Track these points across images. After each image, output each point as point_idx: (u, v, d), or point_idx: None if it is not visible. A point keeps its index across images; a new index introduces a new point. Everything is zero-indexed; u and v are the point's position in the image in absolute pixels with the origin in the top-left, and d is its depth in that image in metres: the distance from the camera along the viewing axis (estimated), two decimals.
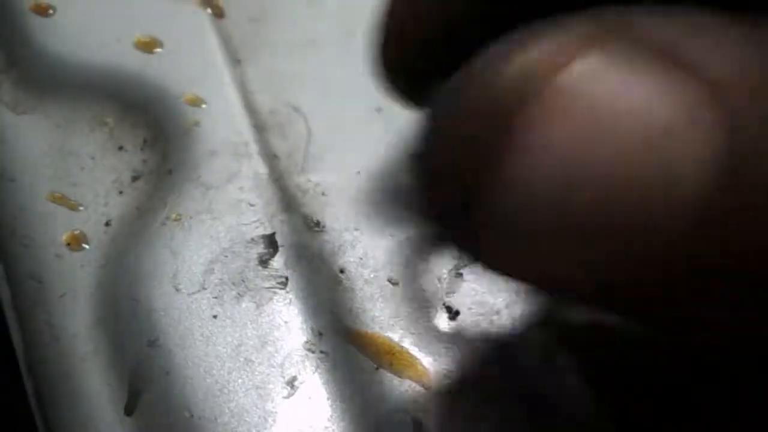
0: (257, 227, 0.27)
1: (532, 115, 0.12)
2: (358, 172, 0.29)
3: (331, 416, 0.23)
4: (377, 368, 0.25)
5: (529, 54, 0.12)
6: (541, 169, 0.12)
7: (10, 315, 0.28)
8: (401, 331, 0.26)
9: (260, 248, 0.27)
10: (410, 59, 0.19)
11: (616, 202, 0.12)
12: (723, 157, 0.12)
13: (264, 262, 0.26)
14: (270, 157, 0.29)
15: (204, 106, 0.30)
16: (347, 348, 0.25)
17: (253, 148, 0.29)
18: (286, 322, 0.25)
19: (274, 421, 0.23)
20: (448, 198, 0.14)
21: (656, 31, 0.12)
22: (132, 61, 0.31)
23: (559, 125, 0.12)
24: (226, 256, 0.26)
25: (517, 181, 0.12)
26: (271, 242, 0.27)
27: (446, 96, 0.14)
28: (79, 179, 0.29)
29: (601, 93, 0.12)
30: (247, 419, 0.23)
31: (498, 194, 0.13)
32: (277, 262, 0.26)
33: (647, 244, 0.12)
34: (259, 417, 0.23)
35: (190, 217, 0.27)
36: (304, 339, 0.25)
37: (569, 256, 0.13)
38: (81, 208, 0.29)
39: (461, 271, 0.27)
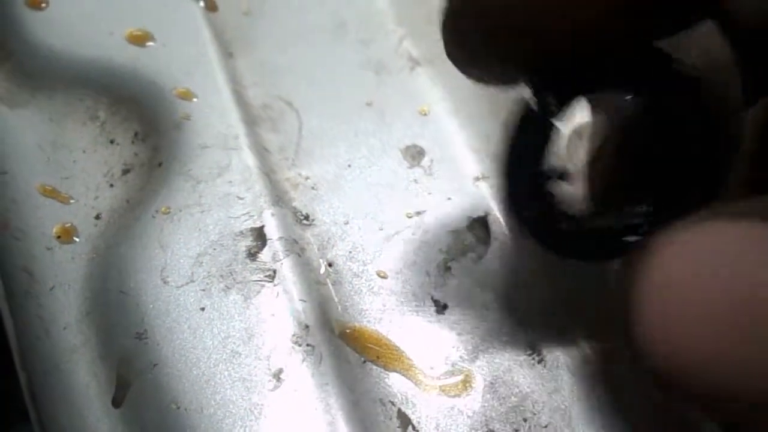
0: (246, 220, 0.27)
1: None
2: (349, 166, 0.29)
3: (317, 409, 0.23)
4: (364, 361, 0.25)
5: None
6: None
7: (3, 307, 0.29)
8: (389, 325, 0.26)
9: (249, 241, 0.27)
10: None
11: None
12: None
13: (252, 255, 0.26)
14: (261, 151, 0.29)
15: (195, 99, 0.30)
16: (334, 341, 0.25)
17: (244, 141, 0.29)
18: (273, 315, 0.25)
19: (260, 413, 0.23)
20: None
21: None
22: (124, 54, 0.31)
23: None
24: (215, 249, 0.26)
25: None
26: (259, 235, 0.27)
27: None
28: (70, 172, 0.29)
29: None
30: (233, 411, 0.23)
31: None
32: (266, 255, 0.26)
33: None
34: (246, 409, 0.23)
35: (180, 210, 0.27)
36: (292, 332, 0.25)
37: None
38: (72, 201, 0.29)
39: (449, 265, 0.27)
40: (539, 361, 0.25)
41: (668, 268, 0.15)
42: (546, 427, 0.24)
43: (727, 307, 0.14)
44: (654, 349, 0.15)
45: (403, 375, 0.25)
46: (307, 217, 0.28)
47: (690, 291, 0.15)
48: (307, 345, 0.25)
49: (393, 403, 0.24)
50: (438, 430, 0.24)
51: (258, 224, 0.27)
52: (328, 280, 0.27)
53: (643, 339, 0.15)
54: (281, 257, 0.26)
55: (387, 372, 0.25)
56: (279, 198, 0.28)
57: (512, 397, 0.24)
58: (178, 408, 0.24)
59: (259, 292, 0.26)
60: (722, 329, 0.14)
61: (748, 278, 0.14)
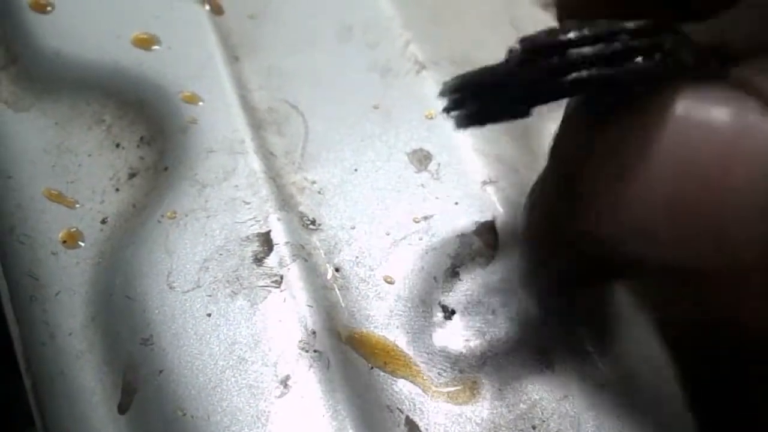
0: (252, 225, 0.27)
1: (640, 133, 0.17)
2: (356, 170, 0.29)
3: (325, 415, 0.23)
4: (371, 367, 0.25)
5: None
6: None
7: (8, 313, 0.29)
8: (396, 331, 0.26)
9: (255, 246, 0.26)
10: None
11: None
12: None
13: (259, 260, 0.26)
14: (267, 155, 0.29)
15: (201, 103, 0.30)
16: (341, 347, 0.25)
17: (250, 145, 0.29)
18: (280, 321, 0.25)
19: (267, 420, 0.23)
20: None
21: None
22: (130, 58, 0.31)
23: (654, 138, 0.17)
24: (221, 254, 0.26)
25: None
26: (266, 240, 0.27)
27: None
28: (76, 176, 0.29)
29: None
30: (240, 418, 0.23)
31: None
32: (272, 260, 0.26)
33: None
34: (252, 416, 0.23)
35: (186, 215, 0.27)
36: (298, 338, 0.25)
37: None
38: (77, 205, 0.29)
39: (457, 270, 0.27)
40: (548, 368, 0.25)
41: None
42: None
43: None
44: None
45: (410, 381, 0.25)
46: (313, 222, 0.28)
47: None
48: (315, 351, 0.24)
49: (401, 410, 0.24)
50: None
51: (264, 229, 0.27)
52: (335, 286, 0.26)
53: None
54: (288, 262, 0.26)
55: (395, 378, 0.25)
56: (285, 202, 0.28)
57: (521, 404, 0.24)
58: (184, 414, 0.23)
59: (265, 297, 0.25)
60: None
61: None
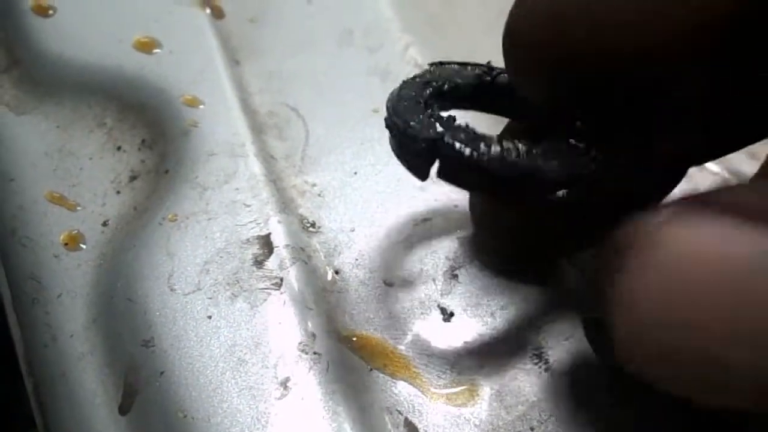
0: (253, 228, 0.27)
1: (630, 260, 0.16)
2: (356, 173, 0.29)
3: (324, 417, 0.23)
4: (371, 369, 0.25)
5: (642, 219, 0.16)
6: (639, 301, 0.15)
7: (10, 315, 0.29)
8: (396, 333, 0.26)
9: (255, 249, 0.27)
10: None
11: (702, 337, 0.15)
12: None
13: (259, 263, 0.26)
14: (267, 158, 0.29)
15: (202, 107, 0.30)
16: (341, 349, 0.25)
17: (251, 149, 0.29)
18: (280, 323, 0.25)
19: (267, 421, 0.23)
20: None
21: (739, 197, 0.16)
22: (131, 61, 0.31)
23: (646, 267, 0.15)
24: (222, 257, 0.26)
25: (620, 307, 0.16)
26: (266, 243, 0.27)
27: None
28: (77, 179, 0.29)
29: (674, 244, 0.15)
30: (240, 420, 0.23)
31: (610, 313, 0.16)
32: (272, 263, 0.26)
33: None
34: (252, 418, 0.23)
35: (187, 218, 0.27)
36: (298, 340, 0.25)
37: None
38: (79, 208, 0.29)
39: (456, 273, 0.27)
40: (546, 370, 0.25)
41: (653, 268, 0.15)
42: None
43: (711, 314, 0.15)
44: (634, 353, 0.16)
45: (409, 383, 0.25)
46: (313, 225, 0.28)
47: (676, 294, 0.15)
48: (314, 353, 0.24)
49: (400, 412, 0.24)
50: None
51: (265, 232, 0.27)
52: (334, 288, 0.27)
53: (625, 342, 0.16)
54: (288, 265, 0.26)
55: (394, 380, 0.25)
56: (285, 205, 0.28)
57: (519, 406, 0.24)
58: (185, 416, 0.24)
59: (265, 300, 0.26)
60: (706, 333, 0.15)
61: (734, 285, 0.14)
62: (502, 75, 0.23)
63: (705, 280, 0.14)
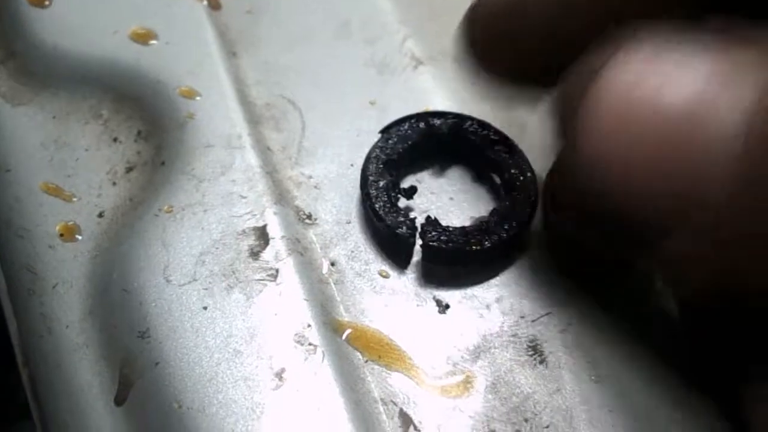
0: (249, 219, 0.27)
1: (587, 101, 0.18)
2: (352, 165, 0.29)
3: (319, 408, 0.24)
4: (366, 361, 0.25)
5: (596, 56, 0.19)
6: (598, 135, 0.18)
7: (6, 306, 0.29)
8: (391, 324, 0.26)
9: (251, 240, 0.27)
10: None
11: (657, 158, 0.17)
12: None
13: (255, 254, 0.26)
14: (263, 150, 0.29)
15: (198, 98, 0.30)
16: (336, 340, 0.25)
17: (247, 140, 0.29)
18: (275, 314, 0.25)
19: (261, 412, 0.23)
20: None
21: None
22: (128, 53, 0.31)
23: (600, 103, 0.18)
24: (217, 248, 0.26)
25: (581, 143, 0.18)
26: (262, 234, 0.27)
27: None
28: (73, 170, 0.29)
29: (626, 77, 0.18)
30: (235, 410, 0.23)
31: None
32: (268, 254, 0.26)
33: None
34: (247, 408, 0.23)
35: (183, 209, 0.27)
36: (294, 331, 0.25)
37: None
38: (75, 199, 0.29)
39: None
40: (541, 362, 0.25)
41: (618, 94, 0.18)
42: (547, 427, 0.24)
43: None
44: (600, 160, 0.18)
45: (404, 375, 0.25)
46: (309, 216, 0.28)
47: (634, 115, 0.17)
48: (309, 344, 0.25)
49: (395, 403, 0.24)
50: (439, 430, 0.24)
51: (261, 223, 0.27)
52: (330, 280, 0.27)
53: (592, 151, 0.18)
54: (284, 256, 0.26)
55: (389, 372, 0.25)
56: (282, 197, 0.28)
57: (514, 398, 0.24)
58: (180, 407, 0.24)
59: (261, 291, 0.26)
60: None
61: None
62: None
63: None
